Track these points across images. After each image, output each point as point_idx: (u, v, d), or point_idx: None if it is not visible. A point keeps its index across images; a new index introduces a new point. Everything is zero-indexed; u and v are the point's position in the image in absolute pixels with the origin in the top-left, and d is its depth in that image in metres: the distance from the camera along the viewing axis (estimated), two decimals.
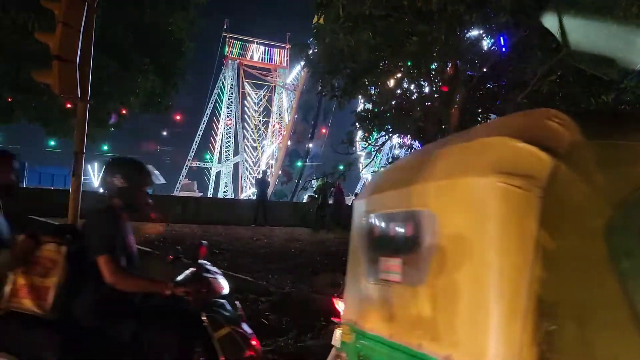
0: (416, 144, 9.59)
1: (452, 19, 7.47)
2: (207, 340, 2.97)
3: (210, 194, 55.59)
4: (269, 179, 19.91)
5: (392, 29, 7.68)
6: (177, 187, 52.29)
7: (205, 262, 3.34)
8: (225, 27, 59.67)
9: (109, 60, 9.90)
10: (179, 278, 3.13)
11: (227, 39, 60.39)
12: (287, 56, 61.21)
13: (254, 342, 3.08)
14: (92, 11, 5.23)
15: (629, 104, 8.41)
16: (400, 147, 12.97)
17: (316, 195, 14.68)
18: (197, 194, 43.83)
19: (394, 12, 7.52)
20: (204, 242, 3.46)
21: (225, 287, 3.22)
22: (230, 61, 61.36)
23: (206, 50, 57.58)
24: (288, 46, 57.19)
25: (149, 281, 2.97)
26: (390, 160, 10.25)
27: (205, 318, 2.99)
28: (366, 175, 46.22)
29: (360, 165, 16.93)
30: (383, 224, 2.36)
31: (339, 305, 4.12)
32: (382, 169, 2.91)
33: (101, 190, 3.20)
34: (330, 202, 16.60)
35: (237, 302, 3.31)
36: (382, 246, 2.31)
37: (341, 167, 10.23)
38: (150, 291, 3.00)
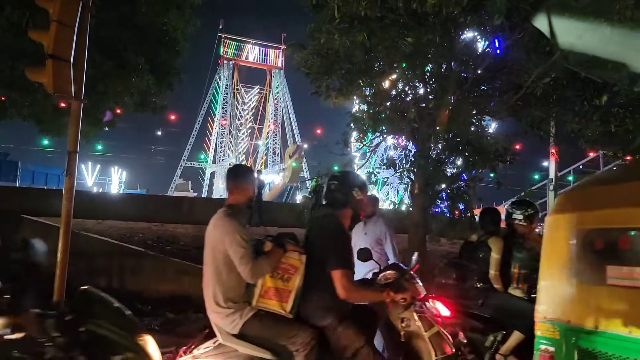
0: (410, 145, 9.61)
1: (447, 21, 7.50)
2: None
3: (204, 194, 55.49)
4: (264, 179, 19.90)
5: (387, 30, 7.69)
6: (172, 187, 52.18)
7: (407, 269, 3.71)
8: (220, 27, 59.62)
9: (104, 59, 9.87)
10: (383, 282, 3.55)
11: (223, 39, 60.35)
12: (282, 57, 61.20)
13: (450, 340, 3.43)
14: (87, 10, 5.21)
15: (621, 107, 8.47)
16: (395, 148, 12.97)
17: (310, 196, 14.69)
18: (192, 194, 43.74)
19: (389, 13, 7.53)
20: (415, 255, 3.79)
21: (423, 291, 3.57)
22: (225, 61, 61.30)
23: (201, 50, 57.50)
24: (283, 47, 57.16)
25: (373, 292, 3.33)
26: (384, 161, 10.24)
27: (417, 318, 3.30)
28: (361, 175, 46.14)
29: (355, 166, 16.92)
30: (614, 237, 2.63)
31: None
32: (581, 185, 3.20)
33: (324, 201, 3.56)
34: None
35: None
36: (610, 256, 2.61)
37: (336, 168, 10.21)
38: (374, 301, 3.36)
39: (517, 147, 11.22)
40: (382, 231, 5.79)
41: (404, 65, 8.42)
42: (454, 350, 3.36)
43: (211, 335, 3.17)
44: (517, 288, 4.52)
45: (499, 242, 4.59)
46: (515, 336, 4.21)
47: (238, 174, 3.49)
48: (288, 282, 3.16)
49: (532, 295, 4.47)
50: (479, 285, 4.55)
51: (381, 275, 3.68)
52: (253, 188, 3.50)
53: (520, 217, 4.71)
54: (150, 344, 2.33)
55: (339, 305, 3.19)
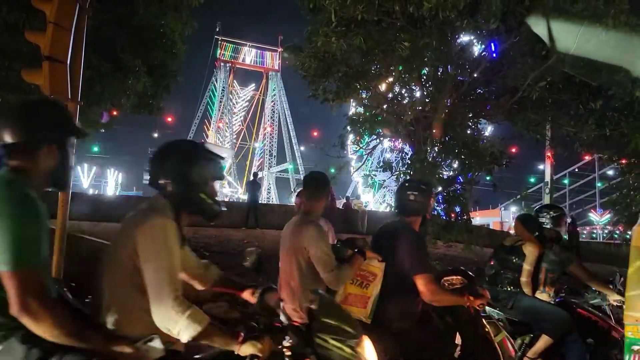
0: (407, 148, 9.64)
1: (443, 24, 7.53)
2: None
3: None
4: (261, 182, 19.84)
5: (384, 33, 7.72)
6: None
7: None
8: (217, 29, 59.71)
9: (100, 61, 9.85)
10: (447, 287, 3.62)
11: (220, 42, 60.44)
12: (279, 59, 61.30)
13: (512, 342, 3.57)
14: (84, 12, 5.21)
15: (616, 111, 8.52)
16: (392, 150, 12.99)
17: None
18: None
19: (386, 17, 7.56)
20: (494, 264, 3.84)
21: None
22: (222, 64, 61.36)
23: (199, 52, 57.49)
24: (280, 49, 57.26)
25: (455, 296, 3.35)
26: (381, 163, 10.27)
27: (486, 323, 3.46)
28: (357, 178, 46.35)
29: (352, 168, 16.98)
30: None
31: None
32: None
33: (398, 210, 3.59)
34: None
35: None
36: None
37: (332, 170, 10.23)
38: (454, 304, 3.39)
39: (513, 150, 11.28)
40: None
41: (400, 68, 8.45)
42: (519, 353, 3.43)
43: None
44: (544, 292, 4.54)
45: (534, 248, 4.61)
46: (543, 340, 4.23)
47: (318, 182, 3.54)
48: (367, 289, 3.23)
49: (557, 300, 4.51)
50: (509, 289, 4.59)
51: (444, 279, 3.70)
52: (329, 196, 3.57)
53: (543, 220, 4.73)
54: (367, 348, 2.37)
55: (416, 311, 3.27)
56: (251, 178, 18.78)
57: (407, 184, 3.57)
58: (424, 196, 3.46)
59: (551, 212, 4.77)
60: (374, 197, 51.94)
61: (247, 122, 67.09)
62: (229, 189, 58.75)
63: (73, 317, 1.82)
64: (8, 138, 1.94)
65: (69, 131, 2.15)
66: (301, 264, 3.19)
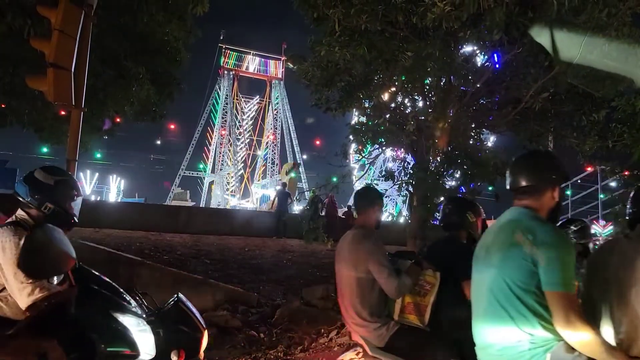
0: (409, 158, 9.62)
1: (446, 35, 7.53)
2: None
3: (202, 204, 55.40)
4: (288, 190, 19.81)
5: (388, 43, 7.73)
6: (170, 196, 52.07)
7: None
8: (221, 37, 59.97)
9: (104, 68, 9.91)
10: None
11: (223, 50, 60.64)
12: (282, 68, 61.48)
13: None
14: (89, 19, 5.24)
15: (619, 122, 8.51)
16: (394, 160, 12.98)
17: (308, 207, 14.66)
18: (190, 204, 43.64)
19: (389, 27, 7.57)
20: None
21: None
22: (225, 72, 61.53)
23: (202, 60, 57.78)
24: (284, 58, 57.43)
25: None
26: (383, 173, 10.25)
27: None
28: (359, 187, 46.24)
29: (354, 177, 16.96)
30: None
31: None
32: None
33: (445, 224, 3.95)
34: (323, 214, 16.50)
35: None
36: None
37: (334, 179, 10.20)
38: None
39: None
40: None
41: (403, 78, 8.45)
42: None
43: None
44: None
45: None
46: None
47: (370, 197, 3.73)
48: (424, 297, 3.39)
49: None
50: None
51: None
52: (382, 210, 3.74)
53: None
54: None
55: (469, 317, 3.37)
56: (279, 187, 18.90)
57: (445, 199, 4.18)
58: (459, 210, 3.86)
59: (572, 227, 4.65)
60: None
61: (257, 134, 67.18)
62: (236, 200, 58.77)
63: None
64: (523, 182, 2.47)
65: (564, 177, 2.60)
66: (361, 276, 3.32)
